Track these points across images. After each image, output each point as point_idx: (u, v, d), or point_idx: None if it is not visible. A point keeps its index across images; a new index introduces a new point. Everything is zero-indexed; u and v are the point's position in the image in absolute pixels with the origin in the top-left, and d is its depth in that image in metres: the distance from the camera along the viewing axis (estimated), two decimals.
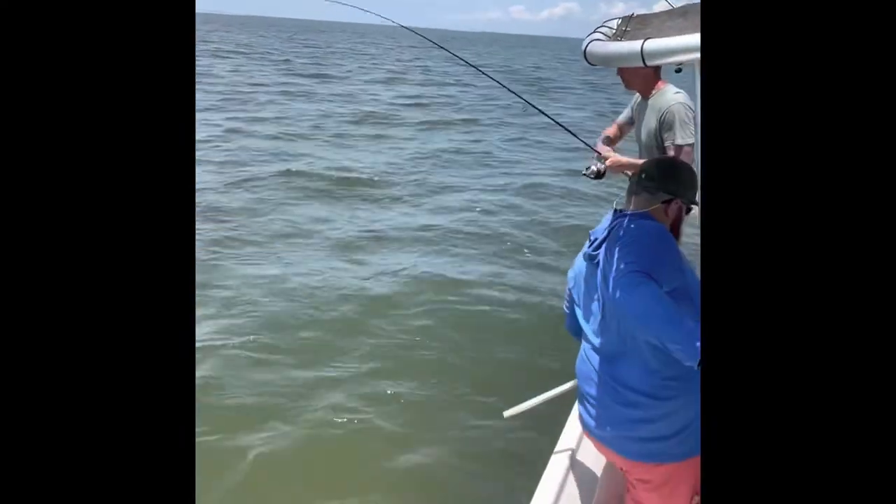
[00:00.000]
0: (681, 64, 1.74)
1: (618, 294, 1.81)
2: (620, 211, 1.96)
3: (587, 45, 1.79)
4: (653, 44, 1.52)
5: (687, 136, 2.74)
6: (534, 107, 3.51)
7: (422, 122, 15.88)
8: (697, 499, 1.93)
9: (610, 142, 3.11)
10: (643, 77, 2.86)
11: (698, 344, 1.61)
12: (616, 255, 1.84)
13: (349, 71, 29.82)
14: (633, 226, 1.88)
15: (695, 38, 1.44)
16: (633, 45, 1.56)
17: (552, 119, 3.35)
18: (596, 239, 1.95)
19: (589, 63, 1.80)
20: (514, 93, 3.64)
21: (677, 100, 2.77)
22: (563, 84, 30.88)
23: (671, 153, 2.76)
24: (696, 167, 2.82)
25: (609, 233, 1.91)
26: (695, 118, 2.76)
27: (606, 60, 1.75)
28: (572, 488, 2.35)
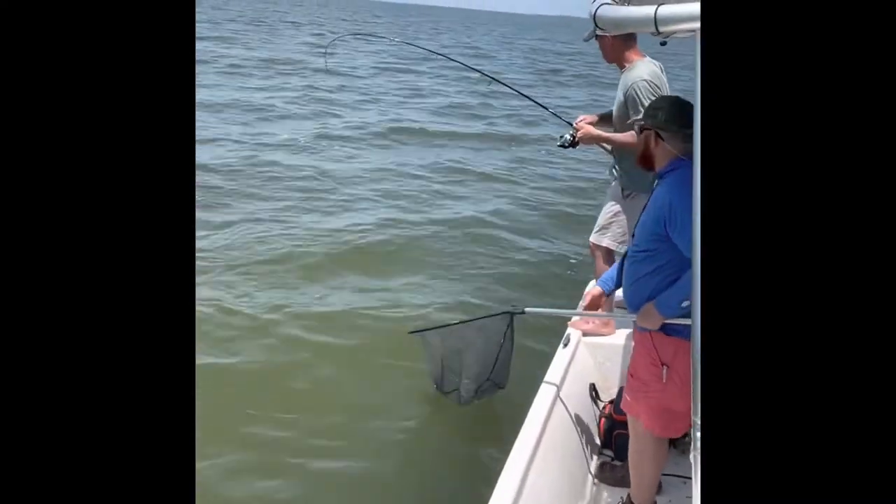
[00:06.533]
0: (670, 36, 1.69)
1: None
2: None
3: (597, 9, 1.78)
4: (667, 9, 1.50)
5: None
6: (501, 83, 3.59)
7: None
8: None
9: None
10: (612, 49, 2.96)
11: None
12: None
13: None
14: None
15: None
16: (647, 10, 1.55)
17: (519, 92, 3.45)
18: None
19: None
20: (477, 70, 3.70)
21: (642, 76, 2.88)
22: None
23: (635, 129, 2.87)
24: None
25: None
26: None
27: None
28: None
